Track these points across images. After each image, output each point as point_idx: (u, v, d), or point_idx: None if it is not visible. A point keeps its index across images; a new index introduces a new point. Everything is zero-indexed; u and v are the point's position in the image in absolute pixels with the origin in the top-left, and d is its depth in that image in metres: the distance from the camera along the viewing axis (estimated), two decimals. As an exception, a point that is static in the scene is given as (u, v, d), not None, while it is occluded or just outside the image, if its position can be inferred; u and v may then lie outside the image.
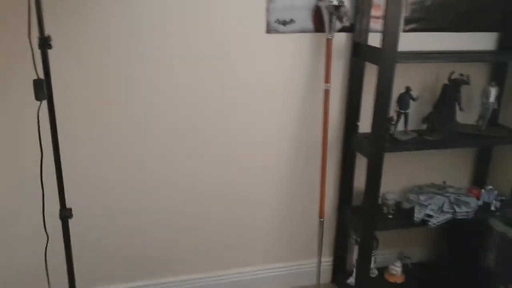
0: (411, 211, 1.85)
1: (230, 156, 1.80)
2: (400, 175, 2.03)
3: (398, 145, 1.75)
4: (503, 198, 1.93)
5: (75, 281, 1.40)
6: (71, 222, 1.34)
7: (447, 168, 2.07)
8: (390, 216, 1.87)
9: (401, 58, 1.61)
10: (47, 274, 1.47)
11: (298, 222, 1.98)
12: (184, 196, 1.81)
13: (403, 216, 1.86)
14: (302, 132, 1.85)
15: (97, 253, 1.80)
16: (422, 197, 1.88)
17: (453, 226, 2.02)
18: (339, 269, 2.08)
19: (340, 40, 1.75)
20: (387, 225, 1.84)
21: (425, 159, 2.03)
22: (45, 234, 1.39)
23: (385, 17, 1.49)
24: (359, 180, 1.96)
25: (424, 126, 1.88)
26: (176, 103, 1.68)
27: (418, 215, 1.81)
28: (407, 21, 1.79)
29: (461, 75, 1.80)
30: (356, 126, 1.86)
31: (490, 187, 1.94)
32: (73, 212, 1.35)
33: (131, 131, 1.67)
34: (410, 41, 1.81)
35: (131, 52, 1.58)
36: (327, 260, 2.08)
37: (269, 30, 1.66)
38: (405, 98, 1.77)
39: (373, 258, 1.98)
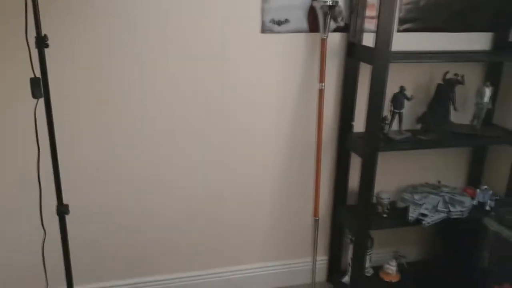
0: (405, 210, 1.86)
1: (225, 156, 1.82)
2: (395, 174, 2.04)
3: (392, 145, 1.76)
4: (498, 197, 1.94)
5: (72, 277, 1.42)
6: (68, 220, 1.36)
7: (442, 168, 2.08)
8: (385, 215, 1.88)
9: (394, 58, 1.62)
10: (45, 270, 1.49)
11: (294, 221, 2.00)
12: (180, 195, 1.83)
13: (397, 215, 1.88)
14: (297, 132, 1.86)
15: (94, 250, 1.81)
16: (416, 197, 1.89)
17: (448, 226, 2.03)
18: (335, 268, 2.10)
19: (335, 40, 1.77)
20: (382, 224, 1.85)
21: (420, 159, 2.04)
22: (42, 231, 1.41)
23: (378, 17, 1.51)
24: (354, 180, 1.98)
25: (419, 126, 1.89)
26: (172, 103, 1.69)
27: (412, 214, 1.82)
28: (402, 21, 1.80)
29: (456, 75, 1.81)
30: (351, 126, 1.88)
31: (485, 186, 1.95)
32: (71, 210, 1.37)
33: (128, 130, 1.69)
34: (404, 41, 1.82)
35: (126, 51, 1.59)
36: (322, 259, 2.10)
37: (264, 30, 1.68)
38: (399, 98, 1.79)
39: (368, 257, 1.99)
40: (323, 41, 1.69)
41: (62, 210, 1.37)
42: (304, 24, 1.71)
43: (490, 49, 1.92)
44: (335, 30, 1.74)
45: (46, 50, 1.22)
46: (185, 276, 1.95)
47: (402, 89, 1.78)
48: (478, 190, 1.95)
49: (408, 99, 1.79)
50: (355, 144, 1.80)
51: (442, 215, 1.82)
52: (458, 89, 1.83)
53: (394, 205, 1.94)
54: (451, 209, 1.83)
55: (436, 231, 2.15)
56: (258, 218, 1.95)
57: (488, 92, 1.83)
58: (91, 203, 1.75)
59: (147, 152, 1.74)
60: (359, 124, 1.87)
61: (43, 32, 1.21)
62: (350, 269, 1.96)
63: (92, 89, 1.61)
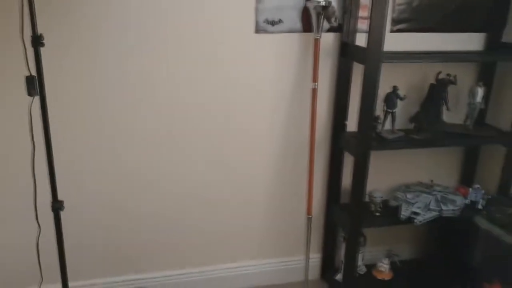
0: (398, 209, 1.88)
1: (218, 155, 1.83)
2: (388, 174, 2.06)
3: (385, 144, 1.78)
4: (490, 196, 1.96)
5: (66, 272, 1.45)
6: (63, 217, 1.38)
7: (435, 167, 2.10)
8: (377, 214, 1.90)
9: (386, 58, 1.64)
10: (39, 265, 1.51)
11: (288, 219, 2.02)
12: (175, 193, 1.85)
13: (390, 213, 1.89)
14: (291, 131, 1.88)
15: (89, 247, 1.83)
16: (409, 195, 1.91)
17: (440, 225, 2.05)
18: (328, 266, 2.12)
19: (328, 40, 1.79)
20: (374, 222, 1.87)
21: (413, 159, 2.06)
22: (38, 227, 1.44)
23: (370, 17, 1.52)
24: (347, 179, 1.99)
25: (412, 126, 1.91)
26: (166, 102, 1.71)
27: (404, 212, 1.84)
28: (395, 22, 1.82)
29: (448, 75, 1.83)
30: (344, 125, 1.89)
31: (477, 185, 1.96)
32: (66, 207, 1.39)
33: (122, 128, 1.71)
34: (398, 42, 1.84)
35: (121, 51, 1.61)
36: (316, 257, 2.12)
37: (258, 30, 1.70)
38: (392, 98, 1.80)
39: (361, 255, 2.01)
40: (317, 41, 1.71)
41: (57, 207, 1.39)
42: (298, 24, 1.73)
43: (483, 49, 1.94)
44: (328, 30, 1.76)
45: (42, 48, 1.24)
46: (180, 273, 1.97)
47: (395, 88, 1.80)
48: (470, 189, 1.97)
49: (401, 98, 1.81)
50: (348, 143, 1.82)
51: (434, 213, 1.84)
52: (450, 89, 1.84)
53: (386, 204, 1.96)
54: (443, 208, 1.85)
55: (429, 230, 2.17)
56: (253, 216, 1.97)
57: (480, 92, 1.85)
58: (86, 200, 1.77)
59: (139, 150, 1.76)
60: (352, 124, 1.89)
61: (39, 31, 1.23)
62: (343, 266, 1.98)
63: (88, 88, 1.63)
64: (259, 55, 1.73)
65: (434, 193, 1.93)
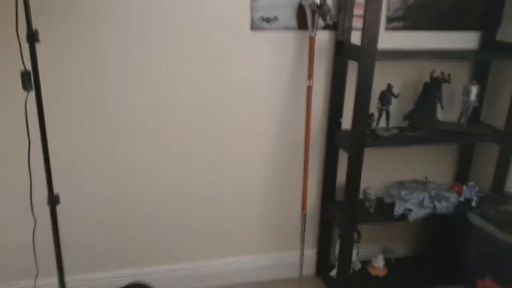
0: (392, 205, 1.89)
1: (214, 152, 1.85)
2: (383, 171, 2.07)
3: (379, 141, 1.79)
4: (483, 194, 1.97)
5: (63, 266, 1.46)
6: (60, 210, 1.39)
7: (430, 165, 2.11)
8: (372, 211, 1.91)
9: (380, 56, 1.65)
10: (35, 257, 1.53)
11: (283, 216, 2.03)
12: (172, 189, 1.86)
13: (384, 210, 1.91)
14: (286, 128, 1.89)
15: (86, 241, 1.85)
16: (403, 192, 1.93)
17: (435, 222, 2.07)
18: (323, 262, 2.13)
19: (324, 38, 1.80)
20: (368, 219, 1.88)
21: (408, 156, 2.08)
22: (33, 221, 1.45)
23: (364, 16, 1.54)
24: (343, 176, 2.00)
25: (406, 123, 1.93)
26: (163, 101, 1.73)
27: (398, 209, 1.86)
28: (390, 20, 1.83)
29: (442, 73, 1.84)
30: (339, 123, 1.91)
31: (472, 183, 1.98)
32: (62, 200, 1.41)
33: (120, 130, 1.72)
34: (393, 40, 1.85)
35: (121, 51, 1.62)
36: (311, 253, 2.13)
37: (254, 27, 1.71)
38: (387, 95, 1.82)
39: (355, 252, 2.02)
40: (312, 39, 1.72)
41: (53, 200, 1.40)
42: (293, 22, 1.74)
43: (477, 48, 1.95)
44: (323, 28, 1.77)
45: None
46: (175, 268, 1.99)
47: (389, 86, 1.81)
48: (464, 187, 1.98)
49: (395, 96, 1.82)
50: (343, 141, 1.83)
51: (428, 210, 1.86)
52: (445, 87, 1.86)
53: (381, 201, 1.98)
54: (437, 205, 1.87)
55: (423, 227, 2.18)
56: (248, 213, 1.99)
57: (474, 90, 1.86)
58: (85, 198, 1.78)
59: (138, 149, 1.77)
60: (347, 121, 1.90)
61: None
62: (337, 263, 1.99)
63: (88, 88, 1.64)
64: (255, 51, 1.75)
65: (428, 190, 1.94)
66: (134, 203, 1.85)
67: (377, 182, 2.07)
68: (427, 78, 1.88)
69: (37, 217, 1.52)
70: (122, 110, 1.71)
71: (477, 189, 1.96)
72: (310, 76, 1.76)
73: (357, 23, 1.77)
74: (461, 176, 2.13)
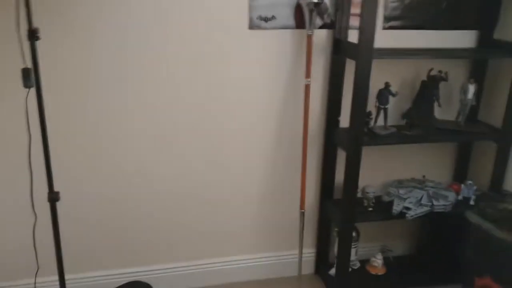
0: (390, 204, 1.90)
1: (212, 151, 1.86)
2: (381, 170, 2.08)
3: (377, 139, 1.80)
4: (481, 192, 1.97)
5: (62, 263, 1.47)
6: (60, 208, 1.40)
7: (428, 164, 2.12)
8: (370, 209, 1.92)
9: (378, 54, 1.66)
10: (35, 253, 1.54)
11: (282, 214, 2.04)
12: (171, 188, 1.87)
13: (382, 209, 1.91)
14: (285, 127, 1.90)
15: (86, 239, 1.86)
16: (401, 191, 1.93)
17: (433, 220, 2.07)
18: (322, 261, 2.13)
19: (321, 36, 1.81)
20: (367, 217, 1.89)
21: (406, 155, 2.08)
22: (34, 217, 1.46)
23: (361, 14, 1.55)
24: (341, 174, 2.01)
25: (404, 122, 1.93)
26: (162, 100, 1.74)
27: (396, 207, 1.86)
28: (387, 19, 1.84)
29: (440, 72, 1.85)
30: (337, 121, 1.92)
31: (470, 182, 1.98)
32: (63, 198, 1.42)
33: (120, 130, 1.73)
34: (390, 39, 1.86)
35: (121, 51, 1.64)
36: (310, 252, 2.14)
37: (252, 26, 1.73)
38: (384, 94, 1.83)
39: (354, 250, 2.03)
40: (309, 38, 1.74)
41: (53, 197, 1.41)
42: (291, 21, 1.75)
43: (475, 46, 1.96)
44: (321, 27, 1.79)
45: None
46: (175, 266, 1.99)
47: (387, 85, 1.82)
48: (463, 186, 1.99)
49: (393, 95, 1.83)
50: (341, 139, 1.84)
51: (426, 208, 1.86)
52: (442, 86, 1.87)
53: (379, 199, 1.98)
54: (435, 203, 1.87)
55: (422, 226, 2.19)
56: (247, 211, 1.99)
57: (471, 88, 1.87)
58: (85, 198, 1.79)
59: (138, 149, 1.78)
60: (345, 120, 1.91)
61: (36, 24, 1.26)
62: (336, 261, 1.99)
63: (88, 88, 1.65)
64: (253, 50, 1.76)
65: (426, 188, 1.95)
66: (134, 203, 1.86)
67: (375, 181, 2.08)
68: (424, 77, 1.89)
69: (38, 214, 1.53)
70: (123, 110, 1.72)
71: (475, 187, 1.97)
72: (308, 74, 1.77)
73: (355, 21, 1.78)
74: (459, 175, 2.13)
